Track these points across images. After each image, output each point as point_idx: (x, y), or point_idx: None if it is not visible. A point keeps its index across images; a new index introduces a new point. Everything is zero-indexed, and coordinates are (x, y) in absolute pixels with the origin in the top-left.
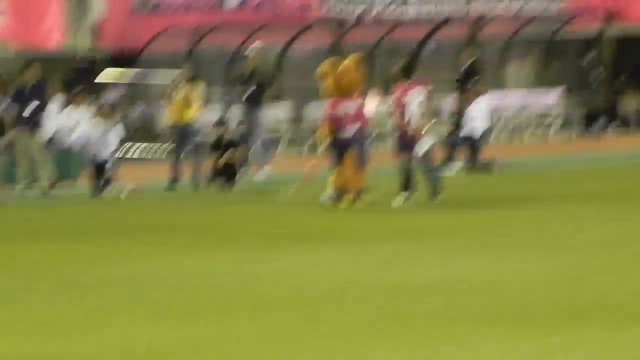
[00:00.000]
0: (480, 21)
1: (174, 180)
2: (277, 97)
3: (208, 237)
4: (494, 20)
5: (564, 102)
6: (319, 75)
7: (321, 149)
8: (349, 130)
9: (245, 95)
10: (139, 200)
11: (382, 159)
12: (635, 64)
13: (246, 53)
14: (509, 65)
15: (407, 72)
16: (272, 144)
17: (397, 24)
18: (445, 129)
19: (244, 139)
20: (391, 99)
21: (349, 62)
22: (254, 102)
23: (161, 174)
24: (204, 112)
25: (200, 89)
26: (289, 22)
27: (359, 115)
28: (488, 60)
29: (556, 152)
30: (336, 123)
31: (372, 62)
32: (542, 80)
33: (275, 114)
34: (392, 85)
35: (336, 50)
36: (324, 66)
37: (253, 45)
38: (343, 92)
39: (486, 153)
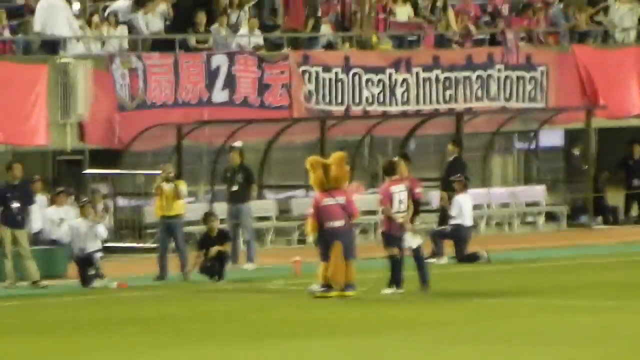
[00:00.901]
0: (464, 116)
1: (162, 272)
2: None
3: (197, 328)
4: (477, 115)
5: (550, 195)
6: (306, 169)
7: (309, 241)
8: (337, 223)
9: (232, 190)
10: (127, 293)
11: (370, 251)
12: (619, 158)
13: (231, 149)
14: (493, 160)
15: (392, 168)
16: (259, 236)
17: (381, 119)
18: (432, 222)
19: (231, 232)
20: (378, 193)
21: (335, 156)
22: (241, 196)
23: (149, 267)
24: (190, 206)
25: (185, 184)
26: (274, 119)
27: (346, 207)
28: (472, 155)
29: (543, 244)
30: (323, 215)
31: (357, 156)
32: (528, 174)
33: (262, 207)
34: (378, 180)
35: (322, 144)
36: (312, 160)
37: (237, 142)
38: (330, 185)
39: (473, 246)
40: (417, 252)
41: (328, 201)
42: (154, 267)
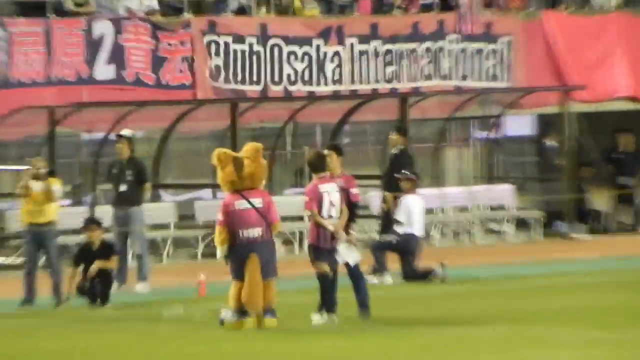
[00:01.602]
0: (409, 98)
1: (29, 296)
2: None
3: None
4: (426, 97)
5: (519, 197)
6: (213, 164)
7: (218, 254)
8: (254, 231)
9: (119, 190)
10: None
11: (294, 267)
12: (602, 151)
13: (118, 139)
14: (447, 153)
15: (320, 163)
16: (153, 249)
17: (307, 102)
18: (372, 231)
19: (118, 244)
20: (304, 194)
21: (249, 147)
22: (130, 198)
23: (13, 288)
24: (65, 210)
25: (59, 182)
26: (173, 101)
27: (264, 212)
28: (421, 146)
29: (512, 259)
30: (236, 222)
31: (277, 148)
32: (491, 171)
33: (157, 211)
34: (304, 178)
35: (233, 133)
36: (220, 153)
37: (125, 130)
38: (243, 184)
39: (423, 260)
40: (353, 270)
41: (241, 204)
42: (19, 288)
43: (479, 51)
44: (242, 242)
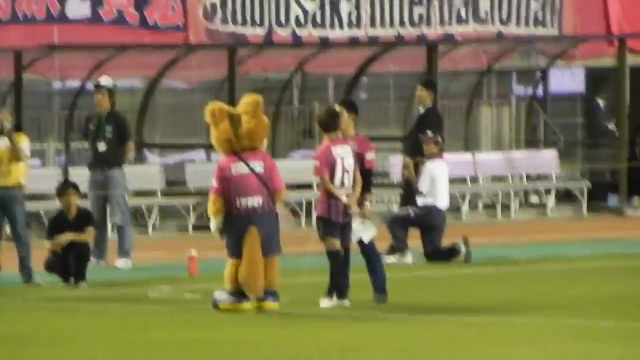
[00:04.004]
0: (439, 46)
1: None
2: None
3: (44, 353)
4: (459, 45)
5: (564, 165)
6: (207, 121)
7: (212, 227)
8: (253, 200)
9: (97, 149)
10: None
11: (300, 244)
12: None
13: (96, 89)
14: (482, 112)
15: (333, 121)
16: (137, 219)
17: (319, 49)
18: (391, 203)
19: (96, 212)
20: (314, 158)
21: (248, 101)
22: (110, 158)
23: None
24: (34, 172)
25: (27, 138)
26: (160, 45)
27: (266, 178)
28: (452, 105)
29: (553, 237)
30: (232, 189)
31: (282, 102)
32: (533, 134)
33: (142, 175)
34: (314, 139)
35: (230, 85)
36: (214, 108)
37: (104, 78)
38: (241, 144)
39: (450, 237)
40: (368, 247)
41: (239, 168)
42: None
43: None
44: (240, 213)
